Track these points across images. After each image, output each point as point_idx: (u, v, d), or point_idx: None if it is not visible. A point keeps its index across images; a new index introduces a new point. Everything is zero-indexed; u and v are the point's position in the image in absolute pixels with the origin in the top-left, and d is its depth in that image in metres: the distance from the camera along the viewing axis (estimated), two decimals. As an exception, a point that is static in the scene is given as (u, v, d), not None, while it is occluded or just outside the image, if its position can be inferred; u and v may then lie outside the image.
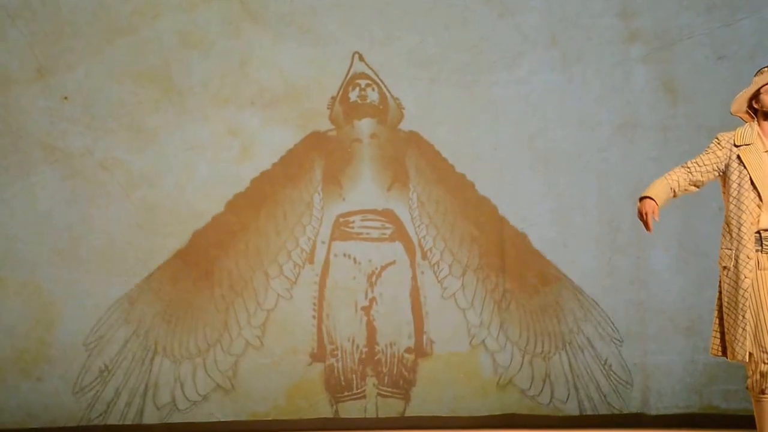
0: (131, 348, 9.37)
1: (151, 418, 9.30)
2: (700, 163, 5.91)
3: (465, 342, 9.53)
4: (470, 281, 9.51)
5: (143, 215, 9.42)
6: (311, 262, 9.57)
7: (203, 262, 9.49)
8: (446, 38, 9.58)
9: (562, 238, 9.57)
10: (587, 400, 9.47)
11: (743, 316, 5.77)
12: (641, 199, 5.88)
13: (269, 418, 9.32)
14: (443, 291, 9.52)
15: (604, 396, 9.44)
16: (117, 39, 9.44)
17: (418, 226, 9.61)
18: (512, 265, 9.63)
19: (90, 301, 9.32)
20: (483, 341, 9.50)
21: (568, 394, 9.47)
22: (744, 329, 5.76)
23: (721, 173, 5.96)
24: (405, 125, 9.63)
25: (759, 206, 5.78)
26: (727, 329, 5.87)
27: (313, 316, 9.51)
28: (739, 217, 5.81)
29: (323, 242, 9.60)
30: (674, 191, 5.87)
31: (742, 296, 5.77)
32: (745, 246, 5.76)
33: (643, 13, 9.56)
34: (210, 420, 9.27)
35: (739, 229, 5.79)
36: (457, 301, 9.49)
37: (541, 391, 9.46)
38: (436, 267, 9.54)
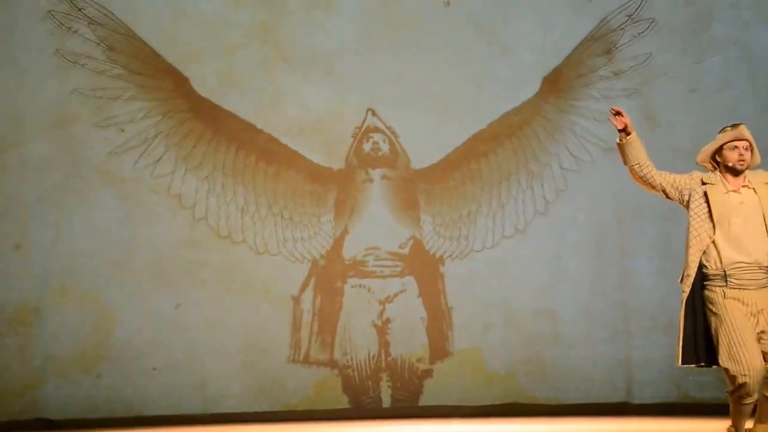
0: (180, 348, 9.65)
1: (198, 409, 9.62)
2: (669, 175, 6.07)
3: (477, 336, 9.86)
4: (471, 240, 9.84)
5: (187, 233, 9.78)
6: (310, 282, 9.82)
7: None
8: (453, 75, 9.91)
9: (556, 248, 9.97)
10: (579, 390, 9.79)
11: (680, 327, 5.89)
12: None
13: (299, 409, 9.66)
14: (465, 263, 9.86)
15: (594, 387, 9.78)
16: (166, 79, 9.73)
17: (431, 246, 9.91)
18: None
19: (143, 308, 9.65)
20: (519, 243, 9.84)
21: (562, 385, 9.81)
22: (680, 340, 5.88)
23: (680, 195, 6.03)
24: (416, 152, 9.93)
25: (710, 237, 5.86)
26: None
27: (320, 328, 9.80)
28: (690, 240, 5.92)
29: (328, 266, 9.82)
30: (646, 161, 6.04)
31: (681, 310, 5.89)
32: (689, 266, 5.88)
33: (626, 52, 9.92)
34: (249, 410, 9.58)
35: (688, 251, 5.90)
36: (460, 250, 9.85)
37: (539, 383, 9.84)
38: (452, 257, 9.85)
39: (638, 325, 9.81)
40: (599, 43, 9.85)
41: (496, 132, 9.88)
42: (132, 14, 9.70)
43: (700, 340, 5.84)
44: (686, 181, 6.01)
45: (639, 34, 9.86)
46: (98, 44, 9.60)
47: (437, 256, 9.86)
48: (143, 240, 9.72)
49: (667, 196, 6.04)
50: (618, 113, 6.03)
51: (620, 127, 6.00)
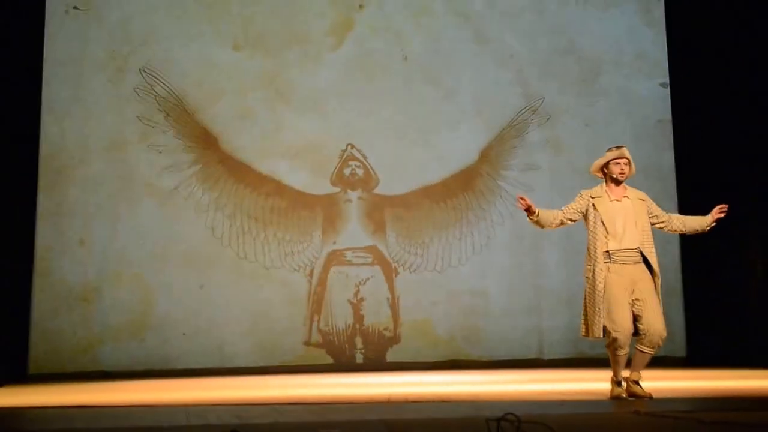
0: (204, 319, 10.58)
1: (217, 363, 10.51)
2: (569, 207, 6.76)
3: (427, 311, 10.84)
4: (425, 260, 10.86)
5: (209, 232, 10.70)
6: (311, 275, 10.67)
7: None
8: (410, 110, 11.07)
9: (486, 246, 11.05)
10: (503, 349, 10.83)
11: (599, 308, 6.50)
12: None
13: (293, 364, 10.55)
14: (413, 273, 10.86)
15: (514, 347, 10.85)
16: (194, 114, 10.84)
17: (392, 255, 10.89)
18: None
19: (176, 288, 10.60)
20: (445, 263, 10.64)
21: (491, 346, 10.87)
22: (600, 317, 6.50)
23: (583, 214, 6.71)
24: (382, 171, 10.94)
25: (606, 236, 6.56)
26: (588, 317, 6.61)
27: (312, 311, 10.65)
28: (595, 243, 6.61)
29: (320, 269, 10.65)
30: (554, 219, 6.69)
31: (598, 296, 6.51)
32: (598, 263, 6.55)
33: (538, 95, 11.28)
34: (255, 365, 10.47)
35: (595, 251, 6.59)
36: (416, 264, 10.79)
37: (473, 344, 10.90)
38: (404, 266, 10.93)
39: (547, 301, 10.91)
40: (515, 129, 10.94)
41: (443, 188, 10.98)
42: (171, 61, 10.76)
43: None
44: (581, 203, 6.77)
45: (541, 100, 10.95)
46: (159, 110, 10.64)
47: (394, 264, 10.87)
48: (176, 237, 10.65)
49: (575, 221, 6.79)
50: (522, 199, 6.68)
51: (524, 207, 6.67)
